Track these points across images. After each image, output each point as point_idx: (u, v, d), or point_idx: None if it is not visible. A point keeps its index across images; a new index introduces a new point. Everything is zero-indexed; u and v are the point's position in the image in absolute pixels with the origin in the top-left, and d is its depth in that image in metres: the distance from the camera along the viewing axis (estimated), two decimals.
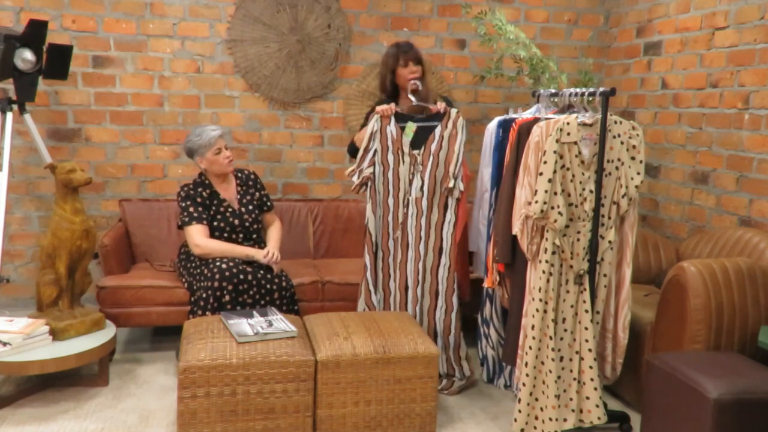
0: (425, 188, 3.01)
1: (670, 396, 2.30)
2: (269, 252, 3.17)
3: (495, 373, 3.17)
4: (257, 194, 3.39)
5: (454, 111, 3.01)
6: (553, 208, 2.48)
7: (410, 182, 3.02)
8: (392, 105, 3.01)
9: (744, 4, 3.25)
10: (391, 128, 2.99)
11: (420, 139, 3.01)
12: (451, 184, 2.98)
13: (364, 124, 3.15)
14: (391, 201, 3.05)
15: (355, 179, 3.04)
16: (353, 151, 3.16)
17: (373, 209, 3.06)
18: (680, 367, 2.28)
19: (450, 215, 3.03)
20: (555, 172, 2.47)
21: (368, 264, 3.07)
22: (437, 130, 2.99)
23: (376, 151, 3.01)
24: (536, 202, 2.48)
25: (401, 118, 3.02)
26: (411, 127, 3.00)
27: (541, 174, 2.48)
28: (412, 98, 3.03)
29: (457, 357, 3.10)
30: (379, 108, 3.01)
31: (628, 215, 2.64)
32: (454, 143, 2.99)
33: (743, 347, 2.54)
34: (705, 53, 3.51)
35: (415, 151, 3.00)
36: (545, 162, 2.47)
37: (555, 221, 2.48)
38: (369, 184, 3.04)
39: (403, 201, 3.05)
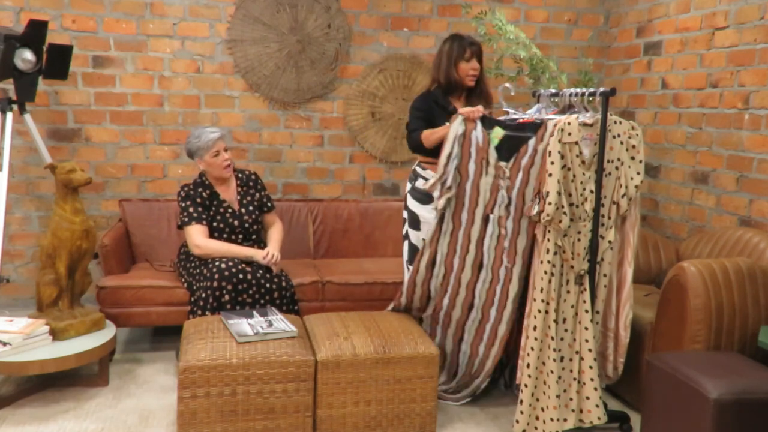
0: (512, 207, 2.62)
1: (670, 396, 2.30)
2: (269, 253, 3.17)
3: (495, 372, 3.16)
4: (258, 195, 3.39)
5: (551, 123, 2.53)
6: (558, 208, 2.47)
7: (493, 198, 2.64)
8: (479, 107, 2.64)
9: (744, 4, 3.25)
10: (477, 133, 2.58)
11: (508, 151, 2.61)
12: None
13: (420, 115, 2.85)
14: (464, 216, 2.67)
15: (436, 195, 2.65)
16: (417, 147, 2.89)
17: (439, 224, 2.68)
18: (680, 367, 2.28)
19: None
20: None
21: (410, 268, 2.74)
22: (531, 142, 2.55)
23: (457, 158, 2.60)
24: (549, 204, 2.44)
25: (488, 123, 2.62)
26: (497, 133, 2.59)
27: (550, 175, 2.45)
28: (504, 104, 2.72)
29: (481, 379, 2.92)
30: (463, 110, 2.63)
31: (630, 215, 2.63)
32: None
33: (743, 347, 2.54)
34: (705, 53, 3.51)
35: (503, 163, 2.60)
36: (552, 162, 2.45)
37: (560, 221, 2.47)
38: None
39: (481, 217, 2.66)
